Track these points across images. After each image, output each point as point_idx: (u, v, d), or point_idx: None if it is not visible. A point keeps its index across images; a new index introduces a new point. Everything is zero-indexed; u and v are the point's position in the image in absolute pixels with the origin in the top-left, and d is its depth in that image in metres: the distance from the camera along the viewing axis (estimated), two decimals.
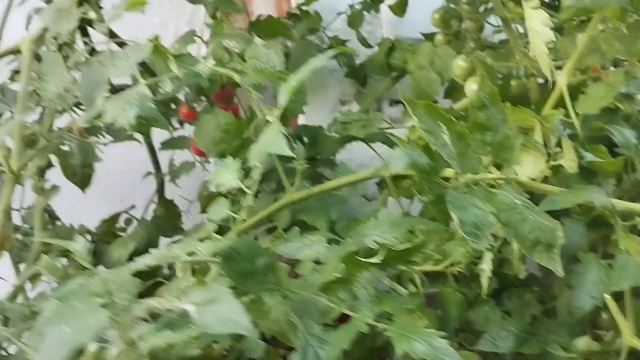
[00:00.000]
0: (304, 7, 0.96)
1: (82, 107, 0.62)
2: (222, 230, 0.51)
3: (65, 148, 0.63)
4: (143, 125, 0.45)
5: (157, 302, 0.30)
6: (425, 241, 0.52)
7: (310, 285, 0.42)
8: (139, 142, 0.86)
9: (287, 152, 0.42)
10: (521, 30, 0.68)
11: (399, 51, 0.84)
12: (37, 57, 0.67)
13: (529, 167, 0.50)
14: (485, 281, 0.56)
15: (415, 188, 0.53)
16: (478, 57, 0.68)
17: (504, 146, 0.48)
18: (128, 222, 0.87)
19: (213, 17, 1.16)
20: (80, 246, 0.43)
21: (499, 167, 0.49)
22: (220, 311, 0.28)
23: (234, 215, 0.50)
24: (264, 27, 0.86)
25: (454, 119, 0.47)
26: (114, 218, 0.87)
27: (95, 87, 0.55)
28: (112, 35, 0.75)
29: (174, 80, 0.55)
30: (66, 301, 0.30)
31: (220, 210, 0.51)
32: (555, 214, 0.47)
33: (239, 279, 0.40)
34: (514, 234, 0.44)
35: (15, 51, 0.66)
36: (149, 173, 0.92)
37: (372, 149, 0.80)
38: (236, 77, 0.54)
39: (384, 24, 1.05)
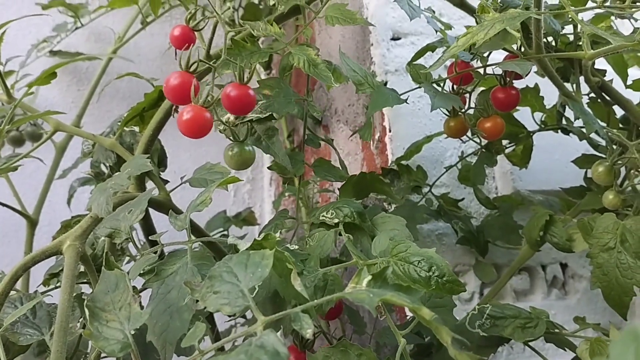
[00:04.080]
0: (403, 162, 0.78)
1: None
2: None
3: None
4: None
5: None
6: None
7: None
8: None
9: None
10: None
11: (558, 226, 0.63)
12: (84, 259, 0.48)
13: None
14: None
15: None
16: None
17: None
18: None
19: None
20: None
21: None
22: None
23: None
24: (357, 186, 0.66)
25: None
26: None
27: (179, 322, 0.34)
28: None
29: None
30: None
31: None
32: None
33: None
34: None
35: (54, 252, 0.47)
36: None
37: (538, 353, 0.57)
38: (425, 315, 0.32)
39: (497, 175, 0.86)
